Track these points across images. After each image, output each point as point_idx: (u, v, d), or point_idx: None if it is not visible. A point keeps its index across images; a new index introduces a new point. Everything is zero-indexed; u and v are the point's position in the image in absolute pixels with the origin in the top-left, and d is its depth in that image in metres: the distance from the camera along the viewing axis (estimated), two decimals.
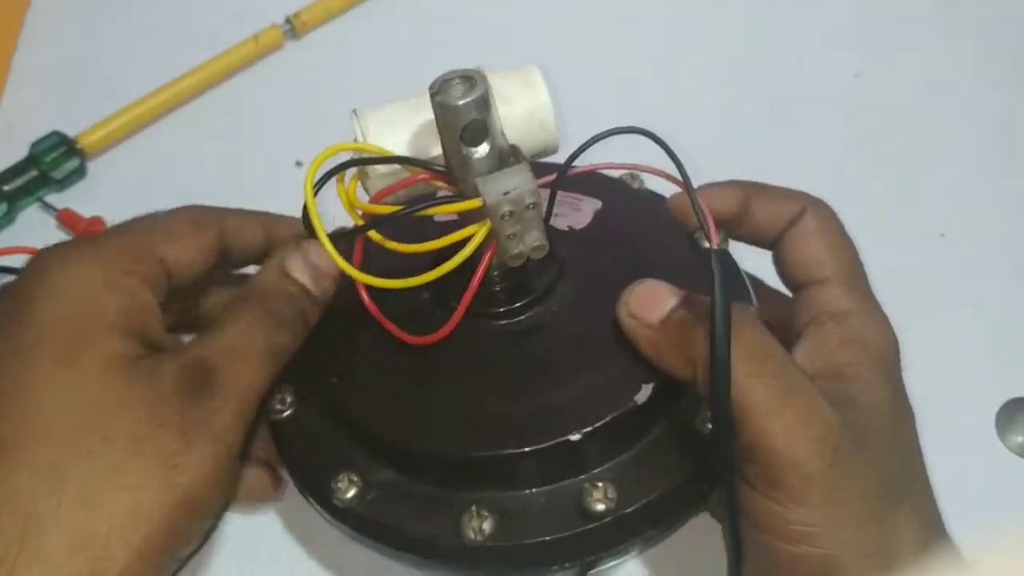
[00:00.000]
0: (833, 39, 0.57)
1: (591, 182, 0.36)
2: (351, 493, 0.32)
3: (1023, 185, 0.50)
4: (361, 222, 0.31)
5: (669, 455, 0.31)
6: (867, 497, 0.28)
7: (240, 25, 0.55)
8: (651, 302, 0.32)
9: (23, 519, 0.27)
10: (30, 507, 0.28)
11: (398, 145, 0.32)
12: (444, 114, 0.29)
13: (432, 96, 0.28)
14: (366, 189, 0.32)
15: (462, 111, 0.28)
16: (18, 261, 0.45)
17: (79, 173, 0.50)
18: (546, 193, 0.32)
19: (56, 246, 0.34)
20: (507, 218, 0.30)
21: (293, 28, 0.56)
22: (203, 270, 0.35)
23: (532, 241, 0.31)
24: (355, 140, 0.32)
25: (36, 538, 0.27)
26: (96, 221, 0.48)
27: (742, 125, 0.53)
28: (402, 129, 0.32)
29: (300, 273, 0.34)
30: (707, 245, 0.32)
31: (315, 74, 0.56)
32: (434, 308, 0.33)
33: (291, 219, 0.37)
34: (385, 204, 0.31)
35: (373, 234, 0.31)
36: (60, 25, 0.57)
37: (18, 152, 0.50)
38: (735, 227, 0.35)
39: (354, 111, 0.32)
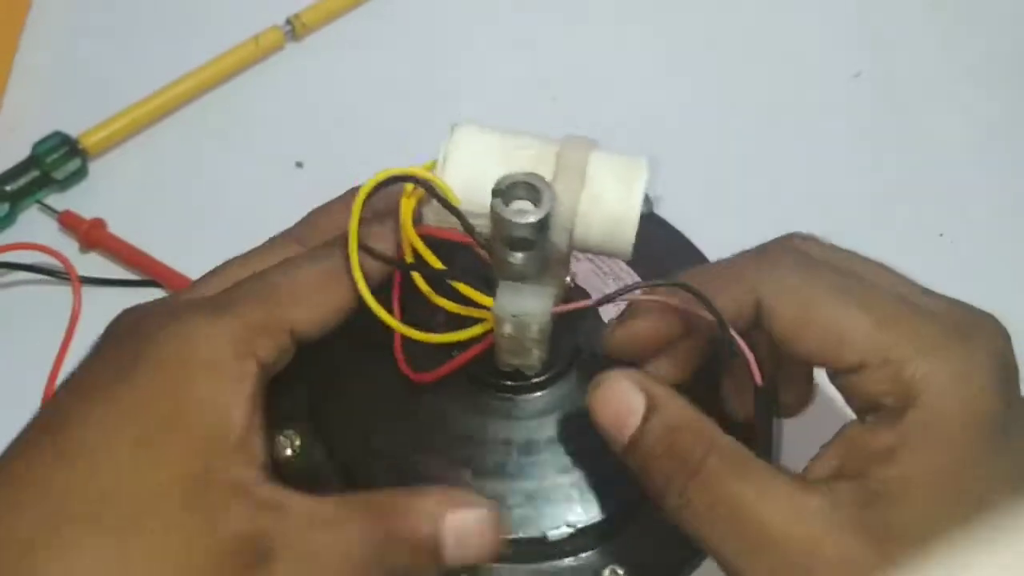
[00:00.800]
0: (832, 39, 0.57)
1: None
2: (287, 452, 0.33)
3: (1022, 185, 0.50)
4: (410, 250, 0.30)
5: None
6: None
7: (241, 26, 0.55)
8: (615, 412, 0.28)
9: None
10: None
11: (475, 182, 0.29)
12: (495, 218, 0.27)
13: (492, 193, 0.27)
14: (422, 213, 0.30)
15: (514, 227, 0.26)
16: (19, 258, 0.46)
17: (81, 173, 0.50)
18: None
19: (176, 312, 0.30)
20: (507, 335, 0.29)
21: (294, 29, 0.56)
22: (341, 324, 0.31)
23: (527, 359, 0.30)
24: (440, 153, 0.30)
25: None
26: (98, 223, 0.48)
27: (741, 125, 0.53)
28: (486, 169, 0.29)
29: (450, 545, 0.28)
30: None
31: (316, 75, 0.56)
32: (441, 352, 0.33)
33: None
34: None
35: (418, 278, 0.30)
36: (62, 25, 0.57)
37: (20, 152, 0.50)
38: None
39: (452, 126, 0.30)
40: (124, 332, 0.30)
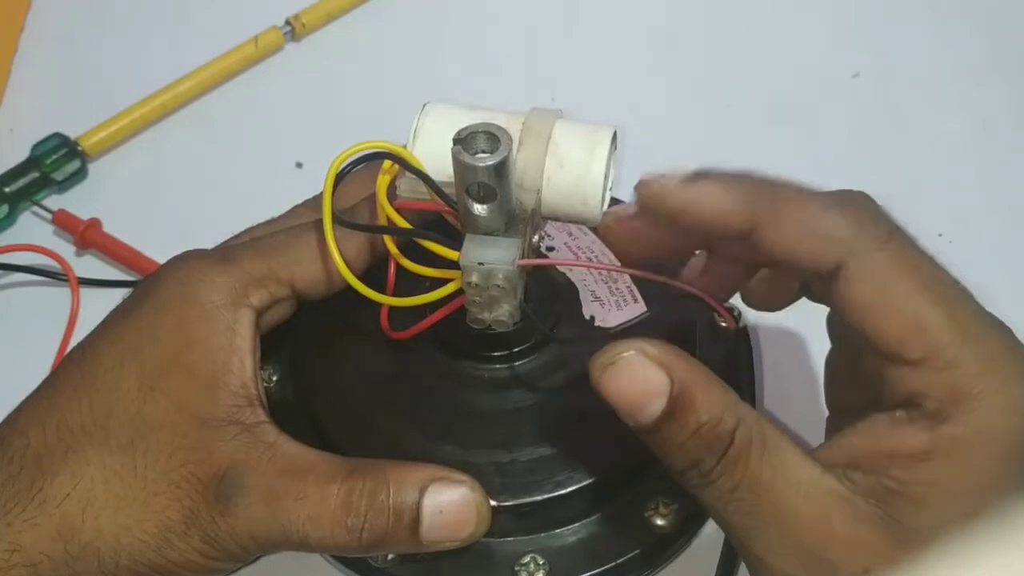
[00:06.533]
0: (831, 40, 0.57)
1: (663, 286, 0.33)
2: (264, 384, 0.35)
3: (1022, 185, 0.50)
4: (385, 222, 0.31)
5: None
6: None
7: (240, 27, 0.55)
8: (635, 394, 0.27)
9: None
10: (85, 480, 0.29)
11: (444, 152, 0.29)
12: (456, 165, 0.28)
13: (453, 142, 0.28)
14: (396, 187, 0.31)
15: (473, 171, 0.27)
16: (18, 259, 0.46)
17: (80, 175, 0.50)
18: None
19: (186, 257, 0.33)
20: (473, 286, 0.29)
21: (293, 30, 0.56)
22: (342, 288, 0.33)
23: (498, 314, 0.30)
24: (412, 131, 0.31)
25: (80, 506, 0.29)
26: (94, 223, 0.48)
27: (740, 126, 0.53)
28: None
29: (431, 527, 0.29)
30: None
31: (315, 76, 0.56)
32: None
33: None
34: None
35: (391, 245, 0.32)
36: (61, 26, 0.57)
37: (19, 154, 0.50)
38: (734, 248, 0.29)
39: (424, 105, 0.31)
40: (148, 277, 0.34)
